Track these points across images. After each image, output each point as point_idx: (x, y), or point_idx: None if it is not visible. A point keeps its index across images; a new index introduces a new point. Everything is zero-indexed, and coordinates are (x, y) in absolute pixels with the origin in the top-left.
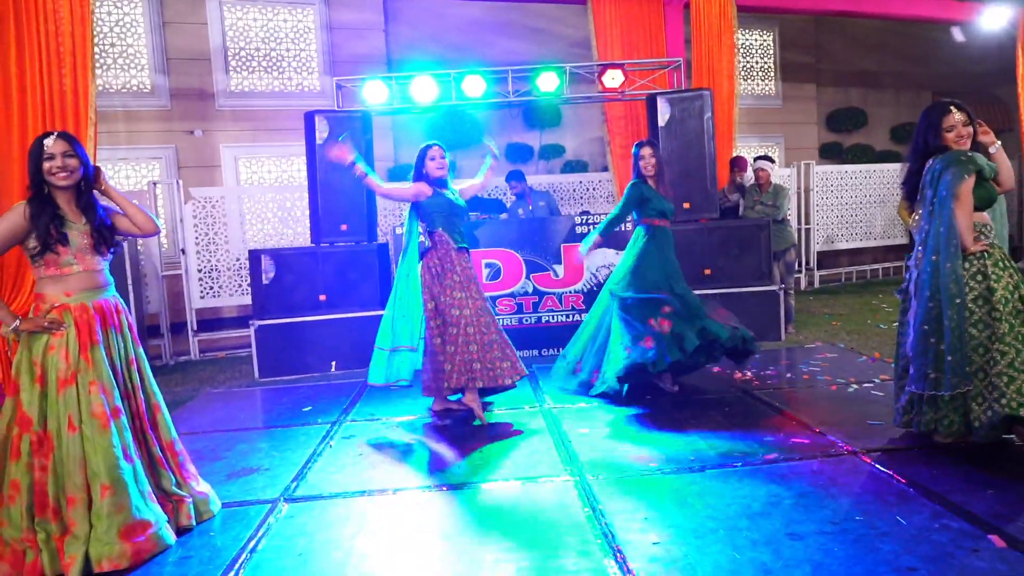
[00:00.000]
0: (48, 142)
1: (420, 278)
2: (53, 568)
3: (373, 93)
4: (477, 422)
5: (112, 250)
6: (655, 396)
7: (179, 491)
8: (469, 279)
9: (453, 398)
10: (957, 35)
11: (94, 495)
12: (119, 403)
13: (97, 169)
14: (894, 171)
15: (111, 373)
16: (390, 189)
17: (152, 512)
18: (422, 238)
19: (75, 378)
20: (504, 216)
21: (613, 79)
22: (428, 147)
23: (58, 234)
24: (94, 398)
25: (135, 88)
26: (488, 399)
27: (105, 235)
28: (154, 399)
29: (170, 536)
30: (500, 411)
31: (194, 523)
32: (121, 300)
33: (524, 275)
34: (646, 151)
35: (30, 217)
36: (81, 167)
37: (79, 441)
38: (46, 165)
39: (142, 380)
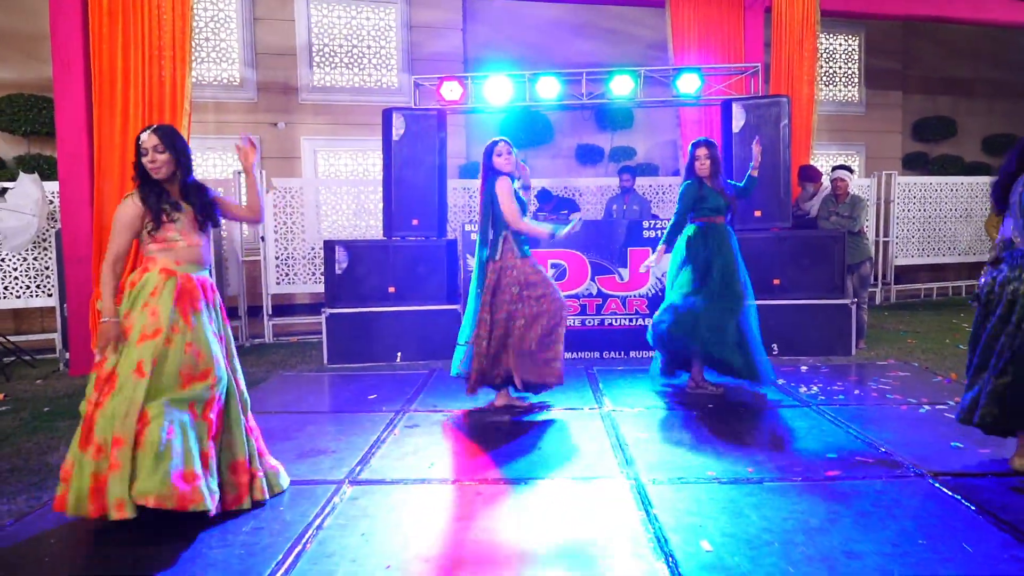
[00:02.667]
0: (143, 137)
1: (484, 278)
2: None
3: (449, 92)
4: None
5: (217, 222)
6: (716, 405)
7: (254, 464)
8: (523, 284)
9: (515, 394)
10: None
11: (152, 434)
12: (209, 367)
13: (251, 143)
14: (983, 184)
15: (208, 339)
16: (514, 210)
17: (200, 468)
18: (491, 235)
19: (158, 334)
20: (576, 216)
21: (688, 83)
22: (495, 143)
23: (169, 211)
24: (187, 358)
25: (225, 81)
26: (541, 399)
27: (209, 213)
28: (239, 375)
29: (210, 502)
30: (559, 411)
31: (267, 496)
32: (213, 280)
33: (589, 277)
34: (701, 151)
35: (142, 201)
36: (173, 159)
37: (144, 386)
38: (143, 159)
39: (234, 355)
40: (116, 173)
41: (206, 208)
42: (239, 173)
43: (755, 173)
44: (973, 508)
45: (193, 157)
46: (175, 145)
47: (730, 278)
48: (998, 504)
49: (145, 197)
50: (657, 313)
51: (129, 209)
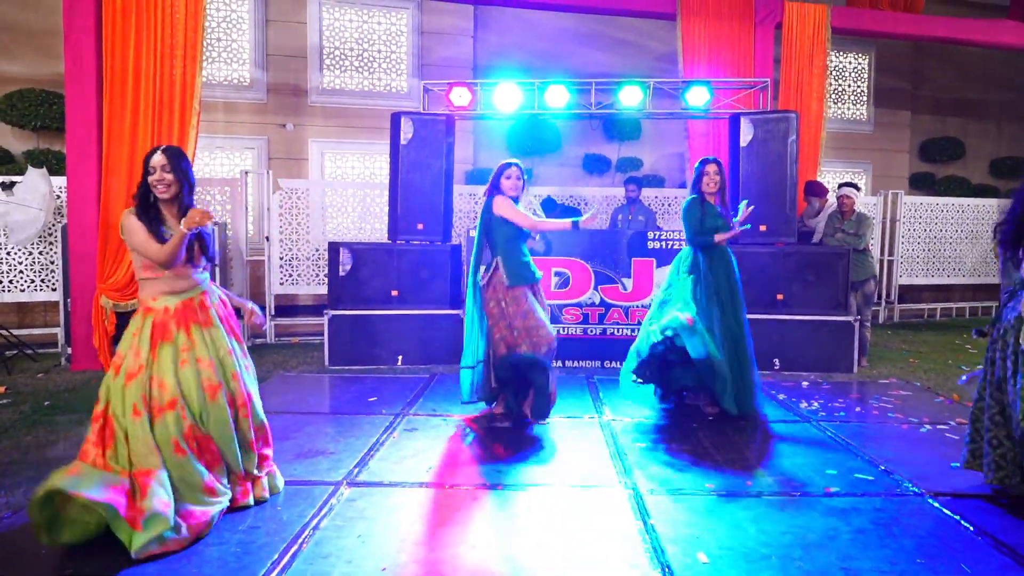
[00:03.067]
0: (154, 157)
1: (483, 298)
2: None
3: (458, 97)
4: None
5: (207, 259)
6: (717, 417)
7: (258, 471)
8: (504, 315)
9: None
10: None
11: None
12: (174, 397)
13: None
14: (990, 206)
15: (173, 371)
16: (525, 219)
17: (208, 499)
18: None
19: (142, 370)
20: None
21: (697, 96)
22: (507, 166)
23: (157, 236)
24: (153, 391)
25: (235, 81)
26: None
27: (201, 244)
28: (245, 385)
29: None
30: (559, 419)
31: (267, 495)
32: (215, 294)
33: (592, 286)
34: (711, 168)
35: (137, 217)
36: (178, 181)
37: (145, 424)
38: (149, 178)
39: (237, 367)
40: (124, 170)
41: (196, 240)
42: (246, 173)
43: (738, 229)
44: (972, 529)
45: (201, 156)
46: (181, 167)
47: (736, 306)
48: (997, 526)
49: (139, 215)
50: (643, 339)
51: (133, 222)
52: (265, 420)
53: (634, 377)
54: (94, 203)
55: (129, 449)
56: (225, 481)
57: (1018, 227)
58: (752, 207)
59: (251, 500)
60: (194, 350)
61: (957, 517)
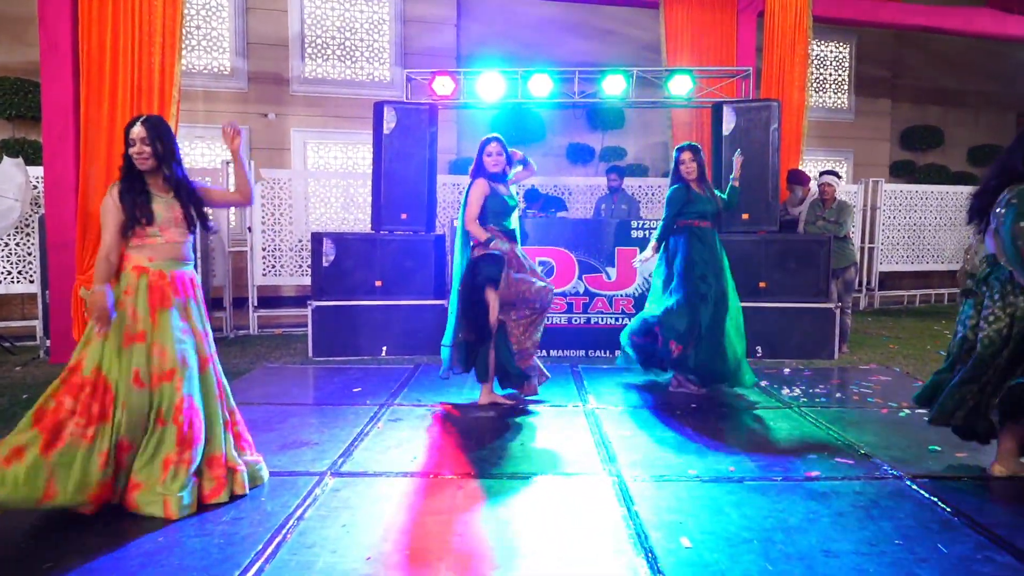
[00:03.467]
0: (133, 128)
1: (466, 274)
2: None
3: (442, 87)
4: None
5: (207, 224)
6: (699, 405)
7: (232, 459)
8: (515, 268)
9: (499, 391)
10: None
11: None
12: (173, 367)
13: (236, 128)
14: (969, 194)
15: (175, 338)
16: (471, 212)
17: (158, 475)
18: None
19: (145, 337)
20: (563, 214)
21: (680, 85)
22: (487, 142)
23: (143, 210)
24: (154, 359)
25: (216, 70)
26: (529, 398)
27: (199, 213)
28: (219, 369)
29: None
30: (543, 408)
31: (247, 490)
32: (197, 276)
33: (576, 275)
34: (686, 155)
35: (118, 197)
36: (158, 153)
37: (146, 395)
38: (130, 150)
39: (213, 351)
40: (102, 158)
41: (197, 207)
42: (228, 163)
43: (736, 183)
44: (949, 510)
45: (181, 146)
46: (161, 137)
47: (723, 284)
48: (973, 506)
49: (123, 193)
50: (637, 320)
51: (109, 204)
52: (236, 407)
53: (632, 344)
54: (72, 193)
55: (124, 419)
56: (192, 470)
57: (980, 202)
58: (743, 157)
59: (225, 496)
60: (190, 321)
61: (935, 499)
